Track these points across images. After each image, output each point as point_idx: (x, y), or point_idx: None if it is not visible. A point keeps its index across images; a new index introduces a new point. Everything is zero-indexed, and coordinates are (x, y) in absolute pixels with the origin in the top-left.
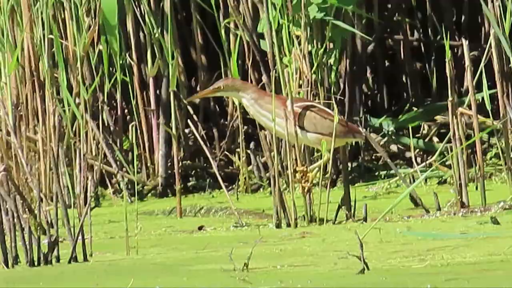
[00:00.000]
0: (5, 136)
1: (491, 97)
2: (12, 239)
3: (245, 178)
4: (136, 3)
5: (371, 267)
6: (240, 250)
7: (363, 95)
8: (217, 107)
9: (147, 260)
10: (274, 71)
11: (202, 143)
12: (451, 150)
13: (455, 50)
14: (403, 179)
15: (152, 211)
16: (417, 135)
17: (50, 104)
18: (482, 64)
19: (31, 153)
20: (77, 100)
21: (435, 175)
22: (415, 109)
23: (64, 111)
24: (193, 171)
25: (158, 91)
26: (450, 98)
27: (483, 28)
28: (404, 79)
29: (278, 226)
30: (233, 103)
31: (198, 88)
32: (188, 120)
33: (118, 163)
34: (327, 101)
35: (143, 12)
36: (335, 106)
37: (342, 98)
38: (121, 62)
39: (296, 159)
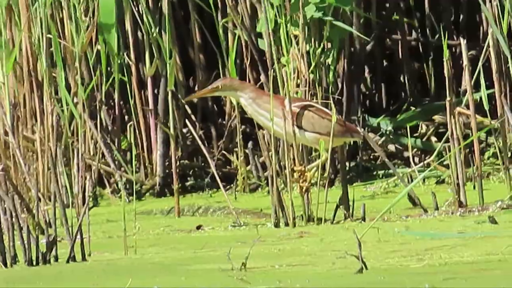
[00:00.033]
0: (3, 136)
1: (489, 97)
2: (10, 238)
3: (243, 178)
4: (134, 2)
5: (369, 266)
6: (238, 249)
7: (361, 94)
8: (215, 106)
9: (145, 259)
10: (272, 70)
11: (200, 142)
12: (449, 150)
13: (453, 50)
14: (401, 178)
15: (150, 210)
16: (415, 135)
17: (48, 103)
18: (480, 64)
19: (29, 153)
20: (75, 100)
21: (433, 175)
22: (413, 108)
23: (62, 110)
24: (191, 171)
25: (156, 91)
26: (448, 98)
27: (481, 28)
28: (402, 78)
29: (276, 225)
30: (231, 102)
31: (196, 88)
32: (186, 120)
33: (116, 162)
34: (325, 101)
35: (141, 12)
36: (333, 105)
37: (340, 97)
38: (119, 61)
39: (294, 159)
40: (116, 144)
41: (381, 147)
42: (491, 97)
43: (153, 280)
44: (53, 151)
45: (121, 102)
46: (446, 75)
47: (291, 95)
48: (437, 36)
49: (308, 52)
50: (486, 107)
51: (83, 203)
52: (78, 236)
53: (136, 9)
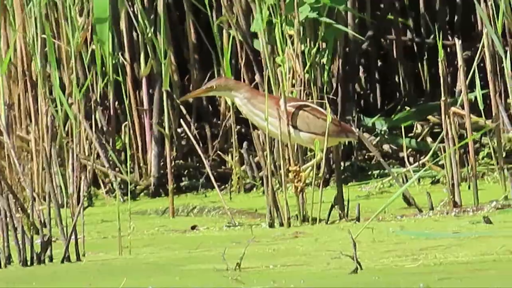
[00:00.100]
0: None
1: (483, 97)
2: (4, 238)
3: (238, 178)
4: (130, 2)
5: (364, 266)
6: (233, 249)
7: (356, 94)
8: (210, 106)
9: (139, 259)
10: (267, 70)
11: (195, 142)
12: (444, 150)
13: (448, 50)
14: (396, 178)
15: (145, 210)
16: (410, 135)
17: (43, 104)
18: (475, 64)
19: (23, 153)
20: (69, 100)
21: (428, 175)
22: (408, 108)
23: (57, 111)
24: (186, 171)
25: (151, 91)
26: (443, 98)
27: (476, 28)
28: (397, 78)
29: (271, 225)
30: (226, 102)
31: (191, 88)
32: (181, 120)
33: (111, 163)
34: (320, 101)
35: (136, 12)
36: (328, 105)
37: (335, 97)
38: (114, 61)
39: (289, 159)
40: (111, 144)
41: (376, 147)
42: (486, 97)
43: (147, 280)
44: (47, 151)
45: (116, 102)
46: (441, 75)
47: (286, 95)
48: (432, 36)
49: (303, 52)
50: (481, 107)
51: (78, 203)
52: (73, 236)
53: (131, 9)
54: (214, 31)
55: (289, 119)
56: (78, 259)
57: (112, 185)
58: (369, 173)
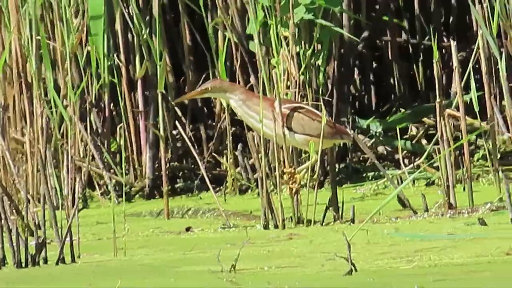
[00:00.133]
0: None
1: (478, 98)
2: None
3: (232, 180)
4: (125, 4)
5: (359, 268)
6: (228, 251)
7: (350, 96)
8: (205, 108)
9: (134, 261)
10: (262, 72)
11: (189, 144)
12: (439, 152)
13: (443, 51)
14: (391, 180)
15: (140, 212)
16: (405, 137)
17: (38, 105)
18: (470, 65)
19: (18, 154)
20: (64, 102)
21: (422, 177)
22: (403, 110)
23: (52, 112)
24: (181, 173)
25: (146, 93)
26: (437, 100)
27: (471, 29)
28: (392, 80)
29: (266, 227)
30: (221, 104)
31: (186, 90)
32: (176, 122)
33: (106, 164)
34: (315, 102)
35: (131, 13)
36: (323, 107)
37: (330, 99)
38: (109, 63)
39: (283, 161)
40: (105, 146)
41: (371, 149)
42: (481, 99)
43: (142, 281)
44: (42, 153)
45: (111, 104)
46: (436, 76)
47: (281, 97)
48: (427, 37)
49: (298, 54)
50: (476, 108)
51: (73, 205)
52: (68, 238)
53: (126, 10)
54: (209, 33)
55: (284, 121)
56: (73, 260)
57: (107, 187)
58: (364, 175)
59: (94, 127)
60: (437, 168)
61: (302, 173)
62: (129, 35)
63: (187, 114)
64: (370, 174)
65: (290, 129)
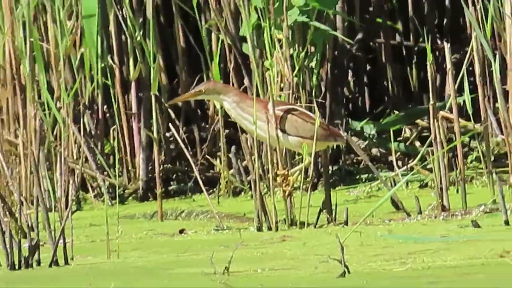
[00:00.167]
0: None
1: (472, 101)
2: None
3: (226, 182)
4: (118, 6)
5: (352, 270)
6: (221, 253)
7: (344, 98)
8: (198, 110)
9: (128, 263)
10: (255, 74)
11: (183, 146)
12: (433, 154)
13: (437, 53)
14: (384, 182)
15: (133, 214)
16: (398, 139)
17: (31, 108)
18: (464, 68)
19: (12, 156)
20: (58, 104)
21: (416, 179)
22: (396, 112)
23: (45, 114)
24: (174, 175)
25: (139, 94)
26: (431, 102)
27: (465, 31)
28: (385, 82)
29: (259, 229)
30: (215, 106)
31: (179, 92)
32: (170, 124)
33: (99, 166)
34: (308, 105)
35: (125, 15)
36: (316, 109)
37: (324, 101)
38: (102, 65)
39: (277, 163)
40: (99, 148)
41: (364, 151)
42: (474, 101)
43: (136, 283)
44: (36, 155)
45: (105, 106)
46: (429, 79)
47: (274, 99)
48: (420, 39)
49: (291, 56)
50: (470, 111)
51: (66, 207)
52: (61, 240)
53: (120, 12)
54: (202, 35)
55: (278, 123)
56: (66, 263)
57: (100, 189)
58: (357, 177)
59: (88, 129)
60: (430, 170)
61: (296, 175)
62: (123, 37)
63: (181, 116)
64: (364, 176)
65: (283, 131)
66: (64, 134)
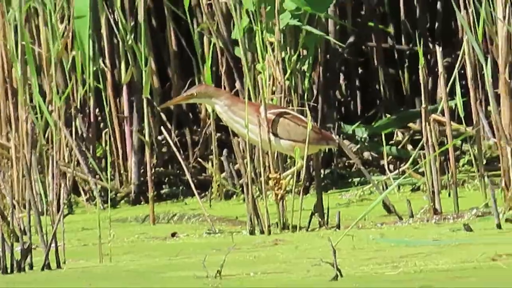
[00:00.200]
0: None
1: (464, 104)
2: None
3: (218, 185)
4: (110, 9)
5: (344, 274)
6: (213, 257)
7: (336, 101)
8: (190, 114)
9: (120, 267)
10: (247, 78)
11: (175, 150)
12: (424, 157)
13: (429, 57)
14: (376, 186)
15: (125, 218)
16: (390, 142)
17: (23, 111)
18: (455, 71)
19: (3, 160)
20: (50, 107)
21: (408, 182)
22: (388, 116)
23: (37, 118)
24: (166, 178)
25: (131, 98)
26: (423, 105)
27: (456, 35)
28: (377, 86)
29: (251, 233)
30: (206, 110)
31: (171, 95)
32: (161, 127)
33: (91, 170)
34: (300, 108)
35: (117, 19)
36: (308, 113)
37: (316, 104)
38: (94, 68)
39: (269, 166)
40: (91, 151)
41: (356, 155)
42: (466, 104)
43: (128, 287)
44: (28, 158)
45: (96, 110)
46: (421, 82)
47: (266, 102)
48: (412, 43)
49: (283, 59)
50: (462, 114)
51: (58, 211)
52: (53, 244)
53: (112, 16)
54: (194, 38)
55: (270, 127)
56: (59, 266)
57: (92, 192)
58: (349, 180)
59: (79, 133)
60: (422, 174)
61: (288, 178)
62: (115, 40)
63: (173, 120)
64: (356, 179)
65: (275, 134)
66: (56, 137)
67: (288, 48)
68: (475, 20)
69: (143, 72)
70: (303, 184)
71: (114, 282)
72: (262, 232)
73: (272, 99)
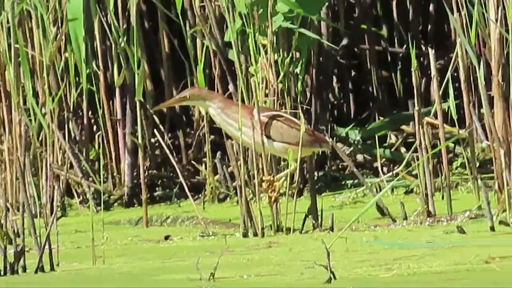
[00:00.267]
0: None
1: (457, 106)
2: None
3: (211, 188)
4: (103, 12)
5: (338, 276)
6: (207, 259)
7: (329, 104)
8: (183, 116)
9: (113, 269)
10: (240, 80)
11: (168, 152)
12: (418, 160)
13: (422, 59)
14: (370, 188)
15: (119, 220)
16: (383, 145)
17: (16, 113)
18: (448, 74)
19: None
20: (43, 110)
21: (401, 185)
22: (381, 118)
23: (30, 120)
24: (160, 181)
25: (124, 100)
26: (416, 108)
27: (449, 37)
28: (370, 88)
29: (245, 235)
30: (200, 112)
31: (164, 97)
32: (155, 130)
33: (84, 172)
34: (293, 111)
35: (109, 21)
36: (301, 115)
37: (309, 107)
38: (87, 71)
39: (262, 169)
40: (84, 154)
41: (350, 157)
42: (459, 107)
43: None
44: (21, 161)
45: (89, 112)
46: (414, 84)
47: (259, 105)
48: (405, 45)
49: (276, 62)
50: (455, 116)
51: (51, 213)
52: (47, 246)
53: (105, 18)
54: (187, 41)
55: (263, 129)
56: (52, 269)
57: (85, 195)
58: (343, 183)
59: (73, 135)
60: (415, 176)
61: (281, 181)
62: (107, 42)
63: (166, 122)
64: (349, 182)
65: (269, 137)
66: (49, 140)
67: (281, 51)
68: (468, 22)
69: (136, 74)
70: (296, 186)
71: (107, 284)
72: (255, 234)
73: (265, 102)
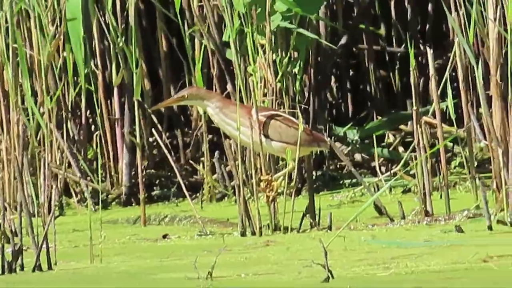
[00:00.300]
0: None
1: (455, 106)
2: None
3: (209, 187)
4: (101, 12)
5: (336, 275)
6: (205, 258)
7: (327, 103)
8: (181, 116)
9: (111, 268)
10: (239, 80)
11: (166, 152)
12: (416, 159)
13: (420, 59)
14: (368, 188)
15: (116, 219)
16: (382, 144)
17: (15, 113)
18: (446, 73)
19: None
20: (41, 110)
21: (399, 184)
22: (379, 118)
23: (29, 120)
24: (158, 180)
25: (122, 99)
26: (414, 107)
27: (447, 37)
28: (368, 88)
29: (243, 234)
30: (198, 111)
31: (162, 97)
32: (153, 129)
33: (82, 172)
34: (292, 110)
35: (107, 21)
36: (299, 115)
37: (307, 107)
38: (85, 70)
39: (260, 168)
40: (82, 153)
41: (348, 156)
42: (457, 106)
43: None
44: (19, 160)
45: (88, 112)
46: (412, 84)
47: (258, 104)
48: (403, 45)
49: (274, 61)
50: (453, 116)
51: (49, 212)
52: (44, 245)
53: (103, 18)
54: (185, 41)
55: (261, 129)
56: (50, 268)
57: (83, 194)
58: (341, 182)
59: (71, 135)
60: (413, 176)
61: (279, 180)
62: (106, 42)
63: (164, 122)
64: (347, 181)
65: (267, 136)
66: (47, 139)
67: (279, 50)
68: (466, 21)
69: (134, 74)
70: (294, 185)
71: (105, 283)
72: (253, 233)
73: (263, 101)
